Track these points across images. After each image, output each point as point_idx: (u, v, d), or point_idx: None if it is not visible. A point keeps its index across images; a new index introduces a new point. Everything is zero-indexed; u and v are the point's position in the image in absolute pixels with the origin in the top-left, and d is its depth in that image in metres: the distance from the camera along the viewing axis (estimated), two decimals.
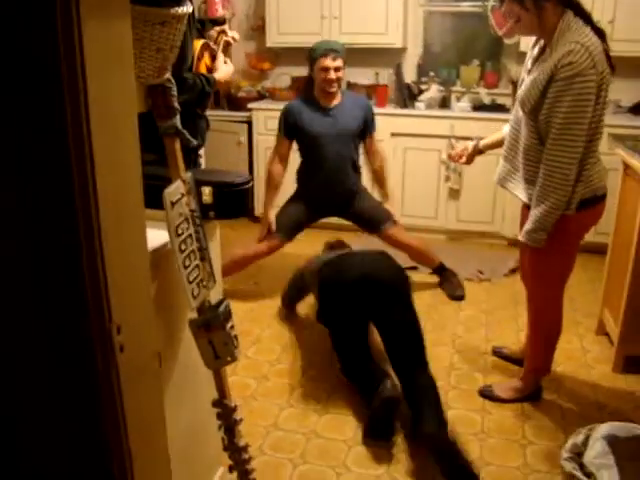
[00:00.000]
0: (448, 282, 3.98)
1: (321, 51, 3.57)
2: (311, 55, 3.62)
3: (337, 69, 3.58)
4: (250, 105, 5.23)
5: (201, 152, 2.69)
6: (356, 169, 3.86)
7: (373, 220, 3.84)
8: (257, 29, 5.46)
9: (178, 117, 1.60)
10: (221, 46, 2.59)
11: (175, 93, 1.57)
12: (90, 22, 1.06)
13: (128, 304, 1.30)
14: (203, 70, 2.47)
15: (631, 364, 3.02)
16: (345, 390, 2.88)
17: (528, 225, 2.40)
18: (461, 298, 3.88)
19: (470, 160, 2.97)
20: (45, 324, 1.21)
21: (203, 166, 2.84)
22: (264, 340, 3.39)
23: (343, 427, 2.62)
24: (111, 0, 1.11)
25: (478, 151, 2.93)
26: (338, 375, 2.91)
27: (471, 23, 5.17)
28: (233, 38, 2.64)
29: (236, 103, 5.42)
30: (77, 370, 1.25)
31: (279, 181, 3.82)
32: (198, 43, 2.44)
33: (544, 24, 2.27)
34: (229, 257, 3.76)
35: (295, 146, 3.84)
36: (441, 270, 4.00)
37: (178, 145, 1.62)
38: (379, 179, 3.96)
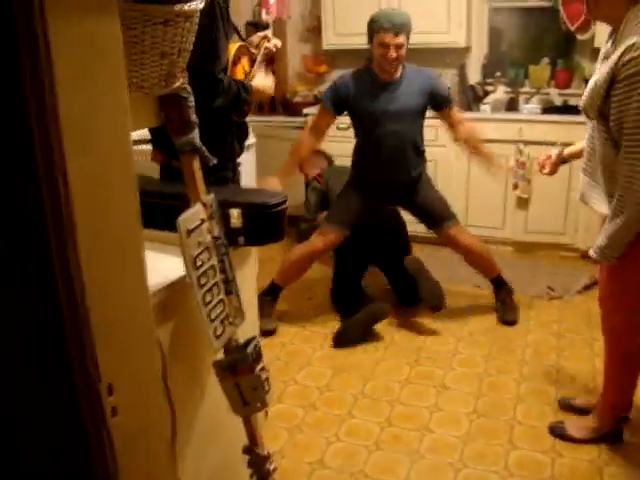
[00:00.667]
0: (501, 303, 3.61)
1: (381, 24, 3.17)
2: (370, 26, 3.24)
3: (398, 46, 3.18)
4: (306, 110, 5.03)
5: (240, 160, 2.50)
6: (419, 153, 3.50)
7: (435, 215, 3.49)
8: (313, 30, 5.25)
9: (196, 132, 1.39)
10: (262, 52, 2.39)
11: (192, 104, 1.37)
12: (59, 21, 0.86)
13: (123, 357, 1.09)
14: (240, 74, 2.29)
15: None
16: (400, 424, 2.63)
17: (601, 240, 2.11)
18: (513, 323, 3.52)
19: (554, 170, 2.66)
20: (20, 386, 1.03)
21: (243, 175, 2.64)
22: (315, 363, 3.17)
23: (394, 468, 2.37)
24: None
25: (562, 160, 2.62)
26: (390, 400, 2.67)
27: (540, 19, 4.80)
28: (275, 45, 2.44)
29: (292, 108, 5.24)
30: (62, 440, 1.06)
31: (306, 153, 3.54)
32: (234, 46, 2.26)
33: (613, 12, 1.99)
34: (286, 262, 3.54)
35: (349, 124, 3.53)
36: (499, 283, 3.63)
37: (197, 164, 1.42)
38: (473, 144, 3.50)
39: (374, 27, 3.22)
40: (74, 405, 1.03)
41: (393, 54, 3.19)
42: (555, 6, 4.45)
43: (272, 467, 1.72)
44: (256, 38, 2.51)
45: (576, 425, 2.52)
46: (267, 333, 3.36)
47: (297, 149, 3.53)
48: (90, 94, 0.94)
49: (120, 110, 1.01)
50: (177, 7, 1.10)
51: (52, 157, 0.89)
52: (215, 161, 1.42)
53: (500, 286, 3.64)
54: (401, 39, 3.18)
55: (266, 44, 2.45)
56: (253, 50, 2.43)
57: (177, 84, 1.25)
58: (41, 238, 0.93)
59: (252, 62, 2.38)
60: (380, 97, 3.33)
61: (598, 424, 2.46)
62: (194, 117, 1.38)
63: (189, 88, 1.35)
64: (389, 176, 3.44)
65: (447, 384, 2.93)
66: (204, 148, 1.40)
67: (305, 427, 2.64)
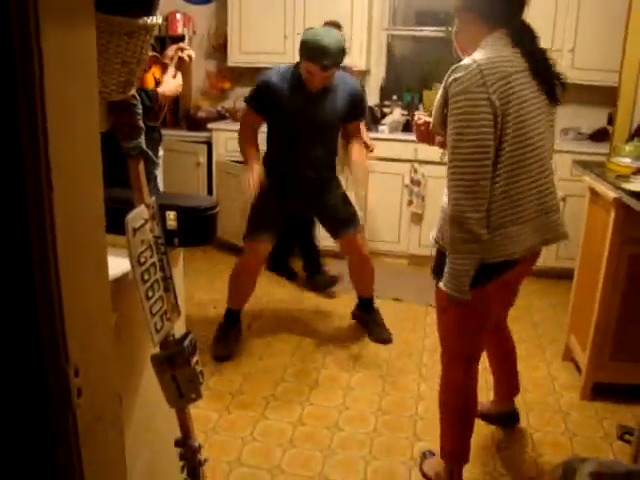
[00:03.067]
0: (374, 324, 3.70)
1: (311, 56, 3.03)
2: (301, 47, 3.09)
3: (325, 77, 3.12)
4: (210, 125, 5.12)
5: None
6: (333, 156, 3.49)
7: (341, 219, 3.45)
8: (218, 48, 5.36)
9: (143, 137, 1.49)
10: (174, 61, 2.53)
11: (140, 111, 1.46)
12: (50, 29, 0.95)
13: (87, 342, 1.17)
14: (150, 81, 2.46)
15: (599, 391, 2.99)
16: (311, 423, 2.76)
17: None
18: (388, 341, 3.62)
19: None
20: None
21: (160, 181, 2.74)
22: (224, 370, 3.25)
23: (309, 463, 2.50)
24: (74, 6, 1.00)
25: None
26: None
27: (434, 48, 5.17)
28: (189, 56, 2.58)
29: (195, 123, 5.30)
30: (27, 420, 1.12)
31: (256, 140, 3.33)
32: None
33: (473, 40, 2.03)
34: (230, 285, 3.46)
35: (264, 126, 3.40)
36: (370, 304, 3.73)
37: (142, 167, 1.51)
38: (358, 169, 3.37)
39: (304, 53, 3.10)
40: (41, 387, 1.10)
41: (318, 83, 3.17)
42: (448, 36, 4.78)
43: (203, 458, 1.80)
44: (170, 51, 2.64)
45: (430, 465, 2.47)
46: (221, 359, 3.36)
47: (248, 149, 3.30)
48: (69, 96, 1.03)
49: (91, 113, 1.10)
50: (141, 20, 1.20)
51: (39, 164, 0.97)
52: (159, 163, 1.52)
53: (371, 306, 3.73)
54: (329, 72, 3.12)
55: (179, 54, 2.58)
56: (167, 61, 2.57)
57: (132, 91, 1.35)
58: (23, 236, 1.00)
59: (164, 71, 2.52)
60: (306, 106, 3.23)
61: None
62: (141, 123, 1.47)
63: (137, 96, 1.45)
64: (300, 179, 3.38)
65: (353, 386, 3.10)
66: (149, 151, 1.50)
67: (220, 429, 2.72)
